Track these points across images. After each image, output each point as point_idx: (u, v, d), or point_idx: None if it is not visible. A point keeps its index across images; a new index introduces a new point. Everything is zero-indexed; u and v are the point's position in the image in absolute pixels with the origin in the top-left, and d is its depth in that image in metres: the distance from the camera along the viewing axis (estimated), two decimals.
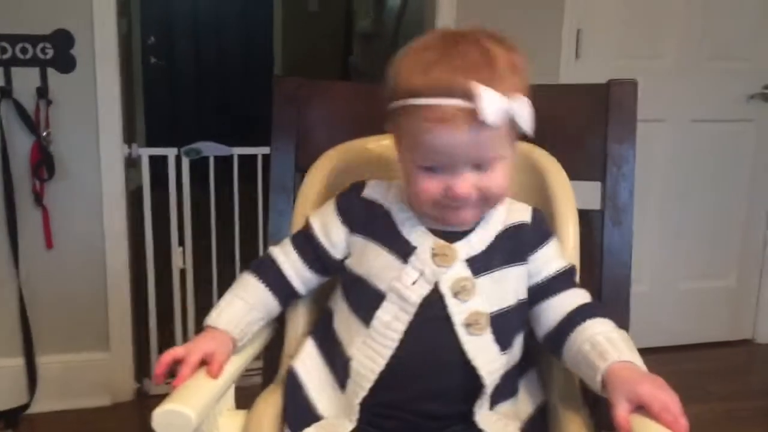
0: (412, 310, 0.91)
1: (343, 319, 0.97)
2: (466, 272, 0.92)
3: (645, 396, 0.79)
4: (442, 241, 0.93)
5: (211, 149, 2.34)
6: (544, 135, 1.13)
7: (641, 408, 0.79)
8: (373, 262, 0.94)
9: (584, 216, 1.10)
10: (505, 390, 0.96)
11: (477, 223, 0.95)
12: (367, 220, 0.97)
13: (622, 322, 1.08)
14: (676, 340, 2.88)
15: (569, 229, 1.04)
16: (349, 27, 5.24)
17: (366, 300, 0.93)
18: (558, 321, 0.94)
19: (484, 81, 0.82)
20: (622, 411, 0.80)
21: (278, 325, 1.11)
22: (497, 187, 0.89)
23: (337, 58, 5.29)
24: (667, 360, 2.65)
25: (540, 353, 1.03)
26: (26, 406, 2.23)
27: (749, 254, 2.96)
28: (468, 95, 0.81)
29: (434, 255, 0.92)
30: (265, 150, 2.27)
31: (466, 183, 0.87)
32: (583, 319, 0.91)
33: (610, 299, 1.12)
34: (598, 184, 1.17)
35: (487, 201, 0.90)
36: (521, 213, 0.98)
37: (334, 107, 1.21)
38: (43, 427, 2.21)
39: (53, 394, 2.26)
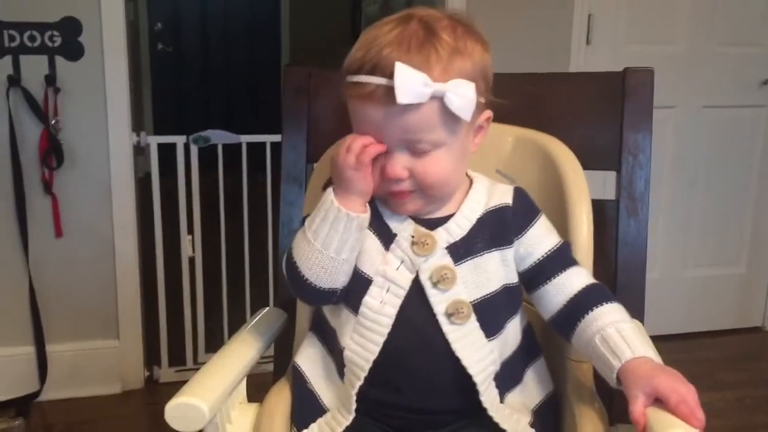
0: (403, 293, 0.89)
1: (333, 308, 0.95)
2: (447, 260, 0.90)
3: (663, 389, 0.78)
4: (422, 229, 0.91)
5: (219, 137, 2.32)
6: (559, 123, 1.13)
7: (658, 401, 0.79)
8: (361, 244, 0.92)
9: (599, 206, 1.09)
10: (511, 378, 0.95)
11: (458, 208, 0.93)
12: None
13: (638, 314, 1.07)
14: (686, 327, 2.87)
15: (583, 219, 1.02)
16: (356, 12, 5.21)
17: (353, 286, 0.91)
18: (563, 305, 0.92)
19: (417, 60, 0.82)
20: (638, 405, 0.79)
21: (288, 319, 1.11)
22: (434, 175, 0.87)
23: (345, 44, 5.23)
24: (677, 348, 2.65)
25: (548, 341, 1.02)
26: (37, 394, 2.24)
27: (759, 241, 2.94)
28: (392, 73, 0.81)
29: (413, 243, 0.90)
30: (274, 137, 2.28)
31: (396, 163, 0.86)
32: (591, 307, 0.90)
33: (625, 290, 1.11)
34: (613, 174, 1.16)
35: (425, 190, 0.88)
36: (502, 195, 0.95)
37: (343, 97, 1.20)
38: (54, 415, 2.22)
39: (63, 382, 2.27)
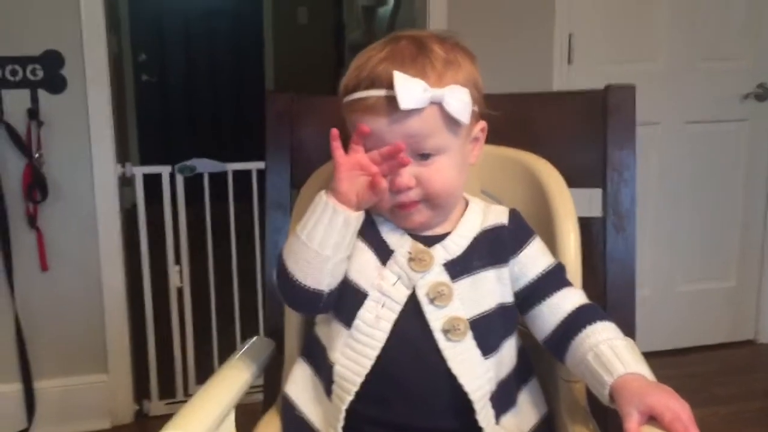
0: (398, 308, 0.89)
1: (324, 323, 0.95)
2: (444, 277, 0.90)
3: (656, 406, 0.78)
4: (420, 245, 0.92)
5: (205, 166, 2.32)
6: (542, 142, 1.13)
7: (652, 419, 0.78)
8: (357, 257, 0.92)
9: (586, 224, 1.08)
10: (506, 400, 0.94)
11: (454, 227, 0.94)
12: None
13: (629, 330, 1.06)
14: (678, 343, 2.87)
15: (570, 237, 1.02)
16: (339, 39, 5.24)
17: (347, 299, 0.91)
18: (556, 325, 0.92)
19: (412, 72, 0.86)
20: (633, 423, 0.78)
21: (276, 348, 1.10)
22: (440, 182, 0.89)
23: (329, 71, 5.29)
24: (670, 363, 2.65)
25: (541, 362, 1.01)
26: None
27: (748, 254, 2.95)
28: (390, 84, 0.85)
29: (410, 260, 0.90)
30: (260, 165, 2.28)
31: (404, 172, 0.88)
32: (584, 325, 0.90)
33: (615, 307, 1.10)
34: (598, 191, 1.16)
35: (432, 198, 0.90)
36: (498, 215, 0.97)
37: (327, 122, 1.19)
38: None
39: (52, 419, 2.24)
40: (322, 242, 0.87)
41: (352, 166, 0.87)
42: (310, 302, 0.91)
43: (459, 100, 0.87)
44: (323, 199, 0.88)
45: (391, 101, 0.85)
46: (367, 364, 0.88)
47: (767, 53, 2.79)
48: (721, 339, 2.96)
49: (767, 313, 2.99)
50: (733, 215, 2.91)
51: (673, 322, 2.87)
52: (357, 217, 0.89)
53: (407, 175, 0.88)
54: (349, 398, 0.88)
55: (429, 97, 0.85)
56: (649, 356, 0.88)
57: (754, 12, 2.75)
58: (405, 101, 0.84)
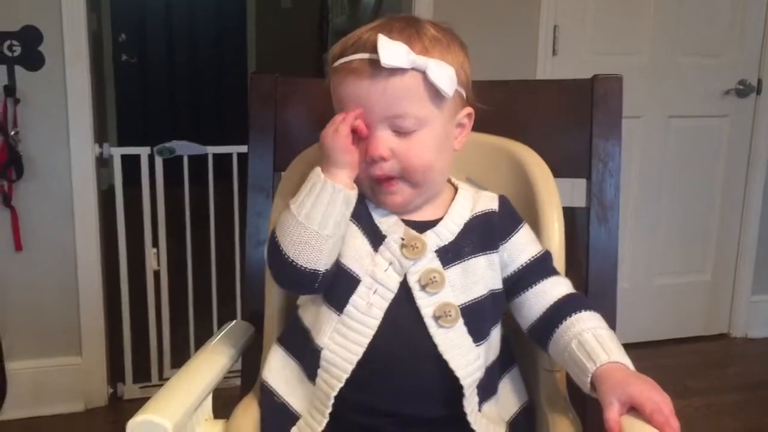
0: (390, 295, 0.88)
1: (310, 306, 0.94)
2: (435, 264, 0.90)
3: (637, 397, 0.78)
4: (412, 232, 0.90)
5: (184, 148, 2.29)
6: (528, 131, 1.13)
7: (632, 409, 0.78)
8: (350, 242, 0.90)
9: (570, 213, 1.08)
10: (489, 387, 0.94)
11: (445, 212, 0.93)
12: None
13: (609, 321, 1.06)
14: (653, 335, 2.90)
15: (554, 226, 1.02)
16: (323, 24, 5.21)
17: (338, 284, 0.90)
18: (542, 312, 0.92)
19: (398, 39, 0.85)
20: (613, 413, 0.78)
21: (255, 332, 1.08)
22: (417, 156, 0.88)
23: (312, 56, 5.25)
24: (645, 355, 2.64)
25: (522, 351, 1.01)
26: None
27: (725, 249, 2.98)
28: (374, 49, 0.84)
29: (403, 246, 0.89)
30: (240, 148, 2.26)
31: (380, 142, 0.87)
32: (569, 313, 0.90)
33: (596, 297, 1.10)
34: (581, 181, 1.16)
35: (410, 174, 0.88)
36: (488, 201, 0.96)
37: (311, 105, 1.18)
38: None
39: (24, 401, 2.21)
40: (323, 222, 0.86)
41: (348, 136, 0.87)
42: (306, 283, 0.89)
43: (443, 72, 0.86)
44: (321, 178, 0.86)
45: (374, 64, 0.84)
46: (359, 351, 0.87)
47: (749, 50, 2.81)
48: (696, 332, 2.99)
49: (741, 308, 3.02)
50: (711, 210, 2.93)
51: (649, 315, 2.90)
52: (355, 194, 0.88)
53: (382, 145, 0.87)
54: (339, 385, 0.87)
55: (412, 60, 0.84)
56: (625, 347, 0.88)
57: (738, 8, 2.77)
58: (386, 58, 0.83)
